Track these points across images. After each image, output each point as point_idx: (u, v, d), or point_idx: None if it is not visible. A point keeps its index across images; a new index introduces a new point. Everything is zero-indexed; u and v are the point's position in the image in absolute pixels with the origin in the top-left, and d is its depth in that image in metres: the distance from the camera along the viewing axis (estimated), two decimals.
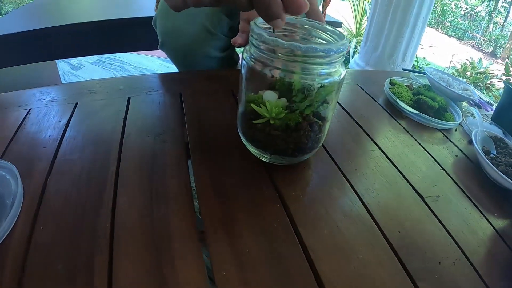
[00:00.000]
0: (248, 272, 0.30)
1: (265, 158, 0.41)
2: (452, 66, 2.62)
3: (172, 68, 1.80)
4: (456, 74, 2.55)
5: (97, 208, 0.35)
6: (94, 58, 1.71)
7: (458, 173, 0.58)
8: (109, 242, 0.32)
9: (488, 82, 2.32)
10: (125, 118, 0.50)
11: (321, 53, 0.30)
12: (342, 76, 0.34)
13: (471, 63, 2.41)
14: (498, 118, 0.78)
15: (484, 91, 2.44)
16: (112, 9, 1.08)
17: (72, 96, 0.54)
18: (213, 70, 0.72)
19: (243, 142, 0.43)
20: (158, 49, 0.74)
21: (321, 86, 0.35)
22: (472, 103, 0.84)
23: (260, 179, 0.41)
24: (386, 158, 0.53)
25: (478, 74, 2.37)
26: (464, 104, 0.83)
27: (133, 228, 0.33)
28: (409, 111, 0.67)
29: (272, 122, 0.36)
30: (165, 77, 0.63)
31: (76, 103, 0.52)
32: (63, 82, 1.39)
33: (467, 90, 0.78)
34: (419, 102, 0.67)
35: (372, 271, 0.35)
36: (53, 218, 0.34)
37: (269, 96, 0.38)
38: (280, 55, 0.31)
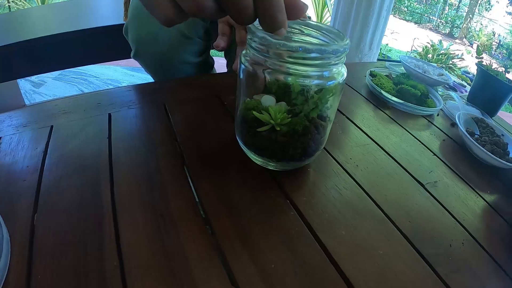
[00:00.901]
0: (278, 287, 0.30)
1: (271, 166, 0.41)
2: (414, 50, 2.74)
3: (138, 77, 1.75)
4: (418, 57, 2.66)
5: (100, 245, 0.32)
6: (56, 73, 1.62)
7: (448, 156, 0.60)
8: (121, 285, 0.29)
9: (450, 62, 2.45)
10: (109, 138, 0.47)
11: (330, 55, 0.30)
12: (344, 76, 0.35)
13: (432, 45, 2.54)
14: (473, 99, 0.83)
15: (447, 71, 2.57)
16: (72, 21, 1.03)
17: (45, 118, 0.50)
18: (192, 77, 0.70)
19: (245, 151, 0.42)
20: (123, 59, 0.71)
21: (321, 88, 0.35)
22: (447, 86, 0.88)
23: (268, 188, 0.41)
24: (382, 150, 0.55)
25: (440, 56, 2.50)
26: (439, 88, 0.87)
27: (146, 262, 0.31)
28: (394, 101, 0.69)
29: (278, 128, 0.35)
30: (145, 88, 0.60)
31: (51, 126, 0.48)
32: (26, 101, 1.31)
33: (442, 75, 0.82)
34: (402, 91, 0.70)
35: (393, 264, 0.36)
36: (50, 264, 0.30)
37: (268, 100, 0.38)
38: (288, 58, 0.31)
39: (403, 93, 0.70)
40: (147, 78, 1.76)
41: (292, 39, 0.33)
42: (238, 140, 0.43)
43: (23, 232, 0.33)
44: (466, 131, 0.64)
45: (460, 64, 2.55)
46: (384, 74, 0.82)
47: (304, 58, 0.31)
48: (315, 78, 0.33)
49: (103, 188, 0.38)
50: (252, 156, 0.41)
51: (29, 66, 0.90)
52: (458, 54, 2.50)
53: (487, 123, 0.69)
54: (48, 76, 1.54)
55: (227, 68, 0.83)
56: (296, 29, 0.38)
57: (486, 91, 0.79)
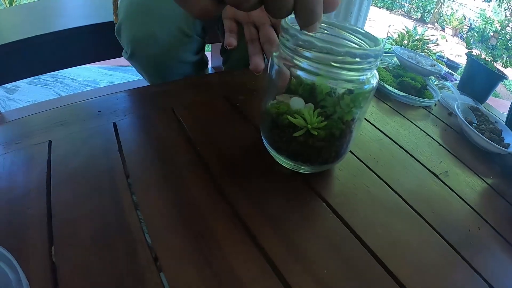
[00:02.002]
0: None
1: (303, 170, 0.42)
2: (389, 37, 2.82)
3: (117, 76, 1.70)
4: (394, 44, 2.75)
5: (139, 280, 0.29)
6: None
7: (453, 145, 0.65)
8: None
9: (426, 48, 2.56)
10: (120, 151, 0.43)
11: (371, 59, 0.32)
12: (377, 79, 0.36)
13: (407, 31, 2.63)
14: (463, 87, 0.88)
15: None
16: (45, 22, 0.97)
17: (40, 132, 0.45)
18: (194, 78, 0.68)
19: (275, 157, 0.43)
20: (104, 60, 0.67)
21: (351, 90, 0.36)
22: (439, 76, 0.92)
23: (302, 193, 0.42)
24: (395, 144, 0.58)
25: (415, 42, 2.59)
26: (431, 78, 0.91)
27: None
28: (396, 93, 0.73)
29: (315, 133, 0.36)
30: (145, 92, 0.58)
31: (49, 141, 0.43)
32: (0, 109, 1.24)
33: (434, 65, 0.86)
34: (403, 84, 0.73)
35: (428, 254, 0.40)
36: None
37: (297, 103, 0.39)
38: (332, 63, 0.32)
39: (405, 86, 0.73)
40: (126, 77, 1.71)
41: (334, 42, 0.34)
42: (267, 145, 0.43)
43: (43, 274, 0.28)
44: (465, 120, 0.68)
45: (435, 49, 2.66)
46: (381, 66, 0.85)
47: (348, 63, 0.32)
48: (355, 83, 0.34)
49: (126, 212, 0.35)
50: (283, 161, 0.42)
51: (1, 73, 0.86)
52: (432, 40, 2.61)
53: (482, 112, 0.73)
54: (21, 81, 1.47)
55: (223, 66, 0.82)
56: (323, 28, 0.39)
57: (476, 80, 0.84)
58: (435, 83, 0.87)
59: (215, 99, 0.57)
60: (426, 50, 2.58)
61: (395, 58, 0.96)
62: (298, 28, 0.30)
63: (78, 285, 0.28)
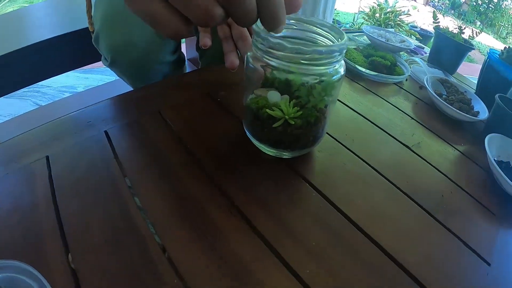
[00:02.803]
0: (327, 262, 0.37)
1: (285, 155, 0.47)
2: (361, 11, 2.87)
3: (93, 79, 1.70)
4: (366, 18, 2.79)
5: (157, 280, 0.33)
6: None
7: (424, 118, 0.71)
8: None
9: (398, 19, 2.61)
10: (116, 158, 0.46)
11: (336, 53, 0.36)
12: (344, 67, 0.41)
13: (378, 5, 2.67)
14: (433, 60, 0.94)
15: (396, 28, 2.74)
16: (11, 38, 0.96)
17: (37, 149, 0.47)
18: (174, 78, 0.72)
19: (259, 146, 0.48)
20: (80, 67, 0.70)
21: (321, 80, 0.40)
22: (409, 51, 0.98)
23: (288, 176, 0.46)
24: (369, 122, 0.63)
25: (387, 14, 2.64)
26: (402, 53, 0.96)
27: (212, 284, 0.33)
28: (368, 73, 0.78)
29: (292, 122, 0.41)
30: (130, 98, 0.60)
31: (47, 157, 0.45)
32: None
33: (404, 41, 0.91)
34: (373, 63, 0.78)
35: (405, 220, 0.45)
36: None
37: (274, 96, 0.43)
38: (301, 60, 0.36)
39: (375, 65, 0.78)
40: (103, 79, 1.72)
41: (302, 42, 0.38)
42: (251, 137, 0.48)
43: (65, 279, 0.32)
44: (435, 92, 0.74)
45: (407, 20, 2.73)
46: (352, 47, 0.89)
47: (316, 59, 0.36)
48: (325, 75, 0.39)
49: (132, 213, 0.39)
50: (266, 149, 0.47)
51: None
52: (404, 11, 2.67)
53: (451, 83, 0.79)
54: None
55: (200, 60, 0.85)
56: (291, 25, 0.44)
57: (445, 52, 0.90)
58: (405, 59, 0.93)
59: (198, 97, 0.60)
60: (399, 22, 2.64)
61: (365, 37, 1.01)
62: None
63: (99, 285, 0.32)
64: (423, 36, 3.32)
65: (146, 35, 0.65)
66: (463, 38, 0.89)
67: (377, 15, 2.77)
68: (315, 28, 0.44)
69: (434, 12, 0.95)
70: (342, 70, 0.41)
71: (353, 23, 2.83)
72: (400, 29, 2.78)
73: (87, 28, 0.71)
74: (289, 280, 0.35)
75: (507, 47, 0.81)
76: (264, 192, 0.43)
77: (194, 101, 0.59)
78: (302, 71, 0.38)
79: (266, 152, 0.48)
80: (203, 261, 0.35)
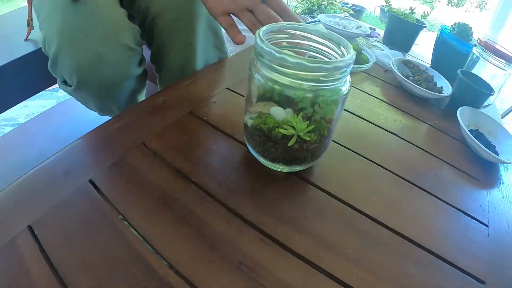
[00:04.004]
0: (367, 265, 0.39)
1: (296, 169, 0.48)
2: None
3: (34, 107, 1.54)
4: (299, 0, 2.87)
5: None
6: None
7: (398, 102, 0.76)
8: None
9: (331, 0, 2.73)
10: (114, 208, 0.41)
11: (344, 69, 0.37)
12: (349, 83, 0.42)
13: None
14: (388, 41, 1.00)
15: (329, 7, 2.86)
16: None
17: (14, 219, 0.39)
18: (147, 101, 0.62)
19: (270, 166, 0.48)
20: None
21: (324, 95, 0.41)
22: (365, 35, 1.03)
23: (302, 189, 0.48)
24: (353, 114, 0.66)
25: None
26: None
27: None
28: None
29: (308, 138, 0.42)
30: (107, 132, 0.53)
31: (29, 226, 0.38)
32: None
33: (360, 27, 0.96)
34: None
35: (417, 207, 0.50)
36: None
37: (278, 112, 0.43)
38: (306, 77, 0.37)
39: None
40: (44, 104, 1.57)
41: (307, 57, 0.38)
42: (260, 157, 0.47)
43: None
44: (402, 74, 0.79)
45: None
46: None
47: (320, 76, 0.37)
48: (332, 93, 0.40)
49: (162, 272, 0.35)
50: (279, 167, 0.47)
51: None
52: None
53: (413, 63, 0.86)
54: None
55: (156, 73, 0.80)
56: (299, 36, 0.44)
57: (399, 33, 0.96)
58: (364, 43, 0.98)
59: (181, 117, 0.57)
60: (332, 1, 2.76)
61: (321, 25, 1.04)
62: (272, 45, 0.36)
63: None
64: (355, 11, 3.51)
65: (114, 48, 0.59)
66: (415, 17, 0.96)
67: None
68: (322, 39, 0.44)
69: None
70: (348, 85, 0.42)
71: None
72: (334, 8, 2.91)
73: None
74: None
75: (457, 22, 0.88)
76: (288, 211, 0.44)
77: (179, 124, 0.55)
78: (307, 87, 0.39)
79: (277, 169, 0.48)
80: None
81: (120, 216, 0.40)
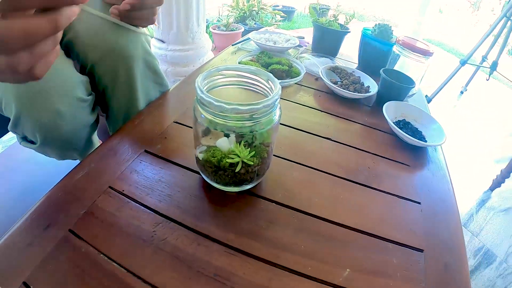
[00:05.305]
0: (319, 255, 0.51)
1: (246, 188, 0.59)
2: (224, 4, 3.07)
3: None
4: (231, 9, 3.01)
5: None
6: None
7: (330, 107, 0.91)
8: None
9: (262, 4, 2.90)
10: (101, 253, 0.48)
11: (273, 105, 0.49)
12: (279, 111, 0.54)
13: None
14: (316, 49, 1.15)
15: (260, 13, 3.03)
16: None
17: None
18: (102, 147, 0.69)
19: (225, 190, 0.58)
20: None
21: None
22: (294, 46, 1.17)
23: (255, 205, 0.58)
24: (290, 127, 0.80)
25: (249, 1, 2.91)
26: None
27: None
28: None
29: (251, 162, 0.53)
30: (70, 182, 0.59)
31: (23, 283, 0.44)
32: None
33: (289, 40, 1.09)
34: (274, 72, 0.94)
35: (355, 199, 0.63)
36: None
37: (223, 144, 0.54)
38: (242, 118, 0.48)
39: (275, 73, 0.94)
40: None
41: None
42: (216, 184, 0.58)
43: None
44: (330, 81, 0.93)
45: (269, 2, 3.05)
46: (248, 58, 1.04)
47: (255, 115, 0.49)
48: (266, 124, 0.51)
49: None
50: (231, 189, 0.58)
51: None
52: None
53: (341, 68, 1.01)
54: None
55: (103, 112, 0.86)
56: (223, 75, 0.55)
57: (325, 40, 1.12)
58: (294, 55, 1.12)
59: (139, 157, 0.65)
60: (263, 6, 2.94)
61: (252, 42, 1.17)
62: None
63: None
64: (286, 12, 3.74)
65: (72, 102, 0.67)
66: (339, 24, 1.13)
67: (241, 5, 3.00)
68: (250, 75, 0.56)
69: (310, 7, 1.16)
70: (278, 112, 0.53)
71: (219, 17, 3.02)
72: (265, 12, 3.09)
73: None
74: (300, 281, 0.48)
75: (377, 23, 1.06)
76: (245, 224, 0.54)
77: (138, 163, 0.64)
78: (244, 124, 0.50)
79: (231, 191, 0.59)
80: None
81: (104, 256, 0.48)
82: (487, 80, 2.67)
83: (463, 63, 2.34)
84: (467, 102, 2.90)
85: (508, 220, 1.62)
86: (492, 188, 1.77)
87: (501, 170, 1.72)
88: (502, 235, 1.52)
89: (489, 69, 2.50)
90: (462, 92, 2.96)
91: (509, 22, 2.25)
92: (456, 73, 2.41)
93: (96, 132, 0.83)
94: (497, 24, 2.29)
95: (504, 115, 2.85)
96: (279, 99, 0.51)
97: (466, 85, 2.94)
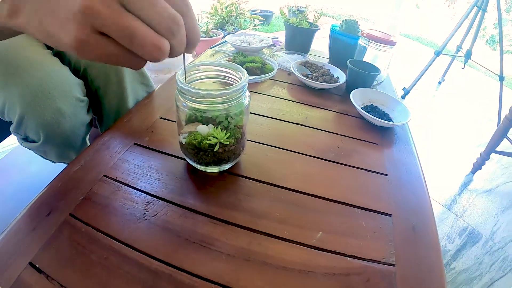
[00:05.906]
0: (291, 220, 0.59)
1: (225, 167, 0.67)
2: (203, 11, 3.17)
3: None
4: (210, 16, 3.12)
5: None
6: None
7: (302, 98, 1.00)
8: None
9: (240, 9, 3.02)
10: (101, 232, 0.54)
11: (243, 89, 0.58)
12: (248, 96, 0.62)
13: (218, 1, 3.02)
14: (289, 47, 1.25)
15: (239, 18, 3.14)
16: None
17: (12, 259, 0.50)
18: (95, 143, 0.75)
19: (206, 171, 0.66)
20: None
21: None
22: (269, 46, 1.27)
23: (235, 181, 0.67)
24: (265, 117, 0.88)
25: (227, 7, 3.02)
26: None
27: None
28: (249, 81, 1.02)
29: (227, 142, 0.61)
30: (72, 171, 0.65)
31: (30, 263, 0.49)
32: None
33: (263, 40, 1.19)
34: (248, 69, 1.03)
35: (325, 173, 0.71)
36: None
37: (203, 129, 0.63)
38: (217, 102, 0.57)
39: (250, 70, 1.04)
40: None
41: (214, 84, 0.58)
42: (196, 164, 0.66)
43: None
44: (302, 75, 1.03)
45: (247, 6, 3.16)
46: (225, 59, 1.13)
47: (226, 99, 0.57)
48: (236, 106, 0.60)
49: (149, 263, 0.50)
50: (212, 169, 0.66)
51: None
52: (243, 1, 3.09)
53: (311, 62, 1.10)
54: None
55: (99, 126, 0.95)
56: (199, 69, 0.64)
57: (297, 38, 1.22)
58: (268, 54, 1.21)
59: (129, 149, 0.73)
60: (241, 11, 3.05)
61: (228, 45, 1.26)
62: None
63: None
64: (264, 16, 3.87)
65: (70, 101, 0.74)
66: (308, 22, 1.23)
67: (219, 11, 3.12)
68: (223, 68, 0.65)
69: (280, 9, 1.26)
70: (247, 98, 0.62)
71: (199, 24, 3.12)
72: (244, 17, 3.20)
73: None
74: (277, 243, 0.56)
75: (344, 19, 1.16)
76: (226, 198, 0.63)
77: (129, 154, 0.72)
78: (219, 107, 0.58)
79: (212, 171, 0.67)
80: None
81: (102, 233, 0.55)
82: (463, 68, 2.81)
83: (437, 53, 2.47)
84: (445, 91, 3.04)
85: (491, 200, 1.72)
86: (473, 171, 1.88)
87: (480, 153, 1.83)
88: (486, 214, 1.62)
89: (464, 58, 2.63)
90: (440, 83, 3.11)
91: (480, 12, 2.40)
92: (431, 64, 2.54)
93: (89, 134, 0.90)
94: (469, 14, 2.43)
95: (482, 101, 3.00)
96: (247, 85, 0.60)
97: (444, 75, 3.08)
